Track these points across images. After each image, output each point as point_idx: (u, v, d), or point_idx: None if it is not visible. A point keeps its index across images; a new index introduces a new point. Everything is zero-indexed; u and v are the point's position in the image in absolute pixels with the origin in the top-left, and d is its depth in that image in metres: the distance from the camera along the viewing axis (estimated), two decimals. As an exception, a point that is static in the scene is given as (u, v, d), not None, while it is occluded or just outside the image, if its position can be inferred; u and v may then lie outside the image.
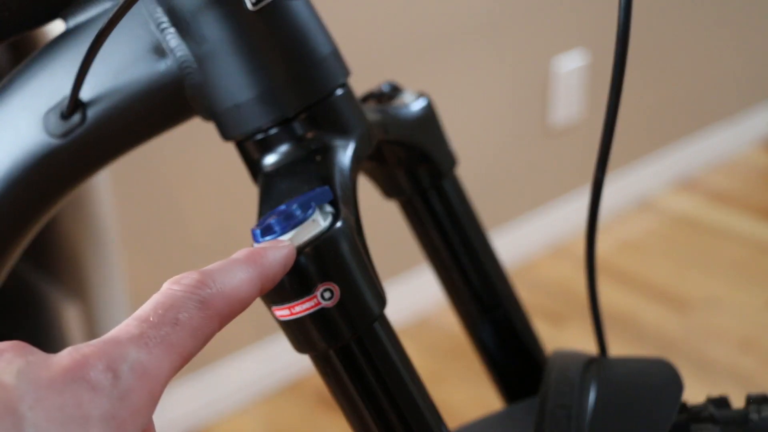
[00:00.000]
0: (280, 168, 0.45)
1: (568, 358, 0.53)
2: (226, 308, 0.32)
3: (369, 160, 0.53)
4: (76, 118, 0.46)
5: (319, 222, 0.40)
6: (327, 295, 0.40)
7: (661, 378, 0.51)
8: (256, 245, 0.39)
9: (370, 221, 0.51)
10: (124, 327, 0.29)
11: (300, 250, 0.39)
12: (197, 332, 0.30)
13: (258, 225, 0.40)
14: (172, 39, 0.45)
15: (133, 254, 1.40)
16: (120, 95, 0.46)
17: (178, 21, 0.44)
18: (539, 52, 1.83)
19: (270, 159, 0.45)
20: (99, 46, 0.43)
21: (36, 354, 0.27)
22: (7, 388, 0.26)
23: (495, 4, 1.71)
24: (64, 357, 0.27)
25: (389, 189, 0.57)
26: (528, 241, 1.94)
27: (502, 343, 0.58)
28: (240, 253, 0.34)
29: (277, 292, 0.40)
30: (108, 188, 1.34)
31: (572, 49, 1.87)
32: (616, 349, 0.57)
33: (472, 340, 0.59)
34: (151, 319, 0.29)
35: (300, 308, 0.40)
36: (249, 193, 0.50)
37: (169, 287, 0.31)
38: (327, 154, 0.44)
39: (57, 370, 0.27)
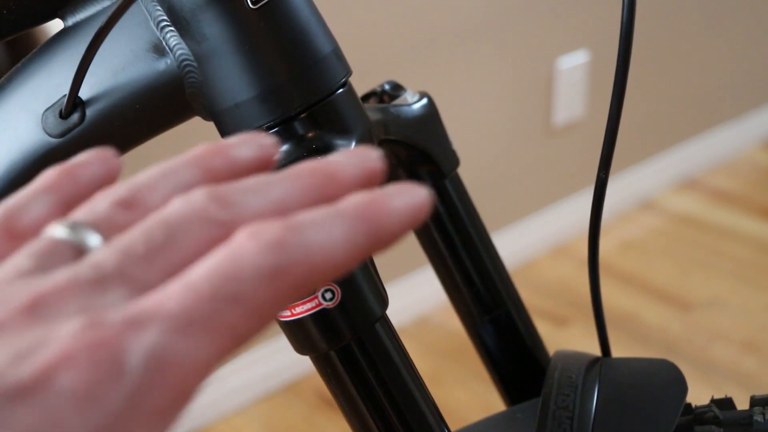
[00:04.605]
0: (280, 168, 0.45)
1: (570, 358, 0.53)
2: (306, 280, 0.22)
3: (370, 159, 0.53)
4: (75, 117, 0.46)
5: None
6: (328, 295, 0.40)
7: (665, 379, 0.50)
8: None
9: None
10: (162, 297, 0.21)
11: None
12: (260, 312, 0.21)
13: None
14: (172, 38, 0.44)
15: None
16: (119, 94, 0.46)
17: (177, 19, 0.44)
18: (542, 52, 1.83)
19: (270, 158, 0.45)
20: (98, 45, 0.42)
21: (37, 327, 0.20)
22: None
23: (498, 4, 1.70)
24: (58, 343, 0.20)
25: (390, 189, 0.57)
26: (529, 242, 1.94)
27: (504, 343, 0.58)
28: (350, 201, 0.23)
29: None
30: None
31: (575, 50, 1.87)
32: (619, 350, 0.56)
33: (474, 341, 0.59)
34: (203, 289, 0.21)
35: (301, 308, 0.40)
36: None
37: (242, 242, 0.21)
38: (328, 153, 0.44)
39: (37, 369, 0.19)
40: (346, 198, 0.23)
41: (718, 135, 2.28)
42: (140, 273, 0.22)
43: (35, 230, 0.24)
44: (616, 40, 0.45)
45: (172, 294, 0.21)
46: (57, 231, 0.23)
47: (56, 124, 0.46)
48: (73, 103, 0.45)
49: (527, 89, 1.83)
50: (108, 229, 0.23)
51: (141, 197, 0.24)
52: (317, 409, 1.55)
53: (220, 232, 0.23)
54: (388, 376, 0.43)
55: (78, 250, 0.23)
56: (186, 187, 0.25)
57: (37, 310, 0.21)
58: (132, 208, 0.24)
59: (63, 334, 0.20)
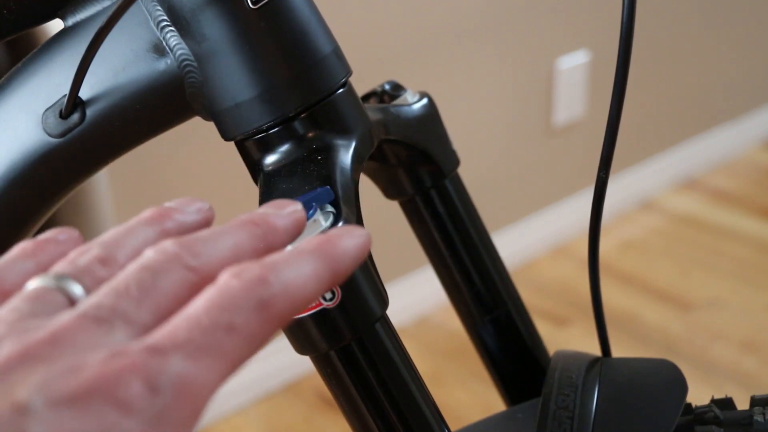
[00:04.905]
0: (280, 168, 0.45)
1: (570, 358, 0.53)
2: (287, 311, 0.26)
3: (370, 160, 0.53)
4: (75, 117, 0.46)
5: (320, 222, 0.40)
6: (328, 295, 0.40)
7: (665, 379, 0.50)
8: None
9: (371, 222, 0.50)
10: (171, 330, 0.24)
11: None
12: (253, 339, 0.25)
13: (258, 225, 0.40)
14: (172, 38, 0.44)
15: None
16: (119, 94, 0.46)
17: (178, 19, 0.44)
18: (542, 52, 1.83)
19: (270, 159, 0.45)
20: (98, 45, 0.42)
21: (65, 356, 0.23)
22: (19, 407, 0.22)
23: (498, 4, 1.70)
24: (94, 366, 0.23)
25: (391, 189, 0.57)
26: (529, 242, 1.94)
27: (505, 344, 0.58)
28: (308, 243, 0.28)
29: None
30: (107, 188, 1.34)
31: (575, 50, 1.87)
32: (619, 350, 0.56)
33: (474, 341, 0.59)
34: (204, 322, 0.24)
35: (301, 309, 0.40)
36: (249, 193, 0.49)
37: (228, 281, 0.25)
38: (328, 153, 0.44)
39: (82, 384, 0.22)
40: (305, 240, 0.28)
41: (718, 135, 2.28)
42: (136, 313, 0.25)
43: (20, 287, 0.27)
44: (616, 40, 0.45)
45: (178, 327, 0.24)
46: (44, 281, 0.26)
47: (56, 124, 0.46)
48: (74, 103, 0.45)
49: (527, 89, 1.83)
50: (88, 280, 0.26)
51: (113, 252, 0.28)
52: (317, 409, 1.55)
53: (194, 275, 0.26)
54: (388, 376, 0.43)
55: (66, 298, 0.26)
56: (148, 244, 0.28)
57: (58, 343, 0.23)
58: (107, 262, 0.27)
59: (96, 360, 0.23)
